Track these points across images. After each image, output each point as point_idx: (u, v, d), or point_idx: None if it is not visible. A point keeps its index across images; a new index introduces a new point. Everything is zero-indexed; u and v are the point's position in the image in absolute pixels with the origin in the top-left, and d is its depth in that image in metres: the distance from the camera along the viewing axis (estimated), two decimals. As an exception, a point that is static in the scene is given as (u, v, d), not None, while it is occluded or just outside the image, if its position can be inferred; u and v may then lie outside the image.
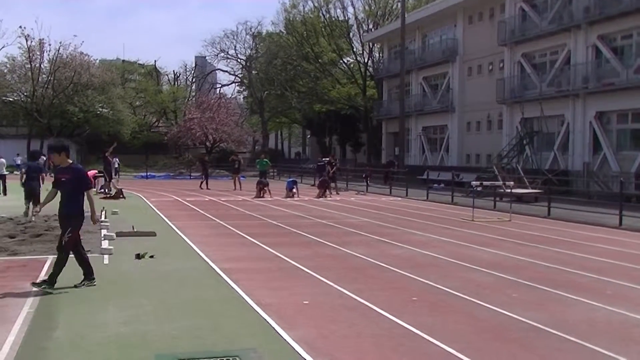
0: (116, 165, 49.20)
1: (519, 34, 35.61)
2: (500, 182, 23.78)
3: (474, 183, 21.26)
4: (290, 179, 30.03)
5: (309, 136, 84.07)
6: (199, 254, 11.32)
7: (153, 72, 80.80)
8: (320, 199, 26.31)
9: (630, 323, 7.01)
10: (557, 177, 28.34)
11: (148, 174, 48.32)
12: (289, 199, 25.89)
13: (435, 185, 33.35)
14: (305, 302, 7.74)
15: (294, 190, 27.19)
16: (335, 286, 8.66)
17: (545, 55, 34.93)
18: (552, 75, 33.53)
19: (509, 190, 21.96)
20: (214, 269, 9.86)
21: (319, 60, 62.59)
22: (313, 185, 36.53)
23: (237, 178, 32.19)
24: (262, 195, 26.32)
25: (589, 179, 28.47)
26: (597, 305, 7.81)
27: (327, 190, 28.10)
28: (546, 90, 33.33)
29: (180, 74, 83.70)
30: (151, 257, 10.67)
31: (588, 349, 5.99)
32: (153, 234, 13.55)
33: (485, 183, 22.65)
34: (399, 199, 27.54)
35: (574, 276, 9.80)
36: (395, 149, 47.65)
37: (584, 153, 31.12)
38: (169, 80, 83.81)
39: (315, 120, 67.42)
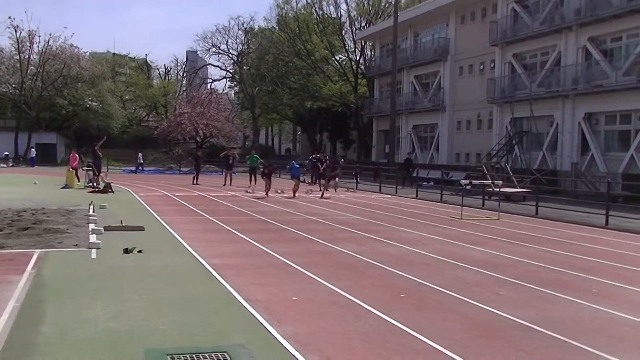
0: (141, 160, 49.58)
1: (511, 34, 35.75)
2: (489, 181, 23.84)
3: (463, 181, 21.32)
4: (296, 166, 26.90)
5: (299, 133, 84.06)
6: (187, 249, 11.31)
7: (144, 66, 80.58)
8: (311, 195, 26.29)
9: (616, 321, 7.09)
10: (546, 176, 28.45)
11: (137, 168, 48.11)
12: (283, 194, 25.80)
13: (425, 183, 33.44)
14: (294, 298, 7.76)
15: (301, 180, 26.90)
16: (325, 283, 8.68)
17: (536, 56, 35.10)
18: (542, 76, 33.70)
19: (498, 189, 22.03)
20: (202, 264, 9.85)
21: (311, 57, 62.55)
22: (303, 182, 36.53)
23: (229, 174, 32.22)
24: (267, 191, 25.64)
25: (577, 179, 28.66)
26: (583, 303, 7.88)
27: (320, 187, 28.08)
28: (536, 90, 33.50)
29: (171, 69, 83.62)
30: (139, 252, 10.65)
31: (574, 346, 6.05)
32: (141, 229, 13.52)
33: (474, 182, 22.71)
34: (389, 196, 27.59)
35: (560, 275, 9.88)
36: (385, 146, 47.71)
37: (572, 153, 31.33)
38: (159, 74, 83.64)
39: (306, 117, 67.41)
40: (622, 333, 6.63)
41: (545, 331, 6.52)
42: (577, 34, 31.15)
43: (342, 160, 31.46)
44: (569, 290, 8.63)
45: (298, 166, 27.13)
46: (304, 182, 36.24)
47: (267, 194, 25.04)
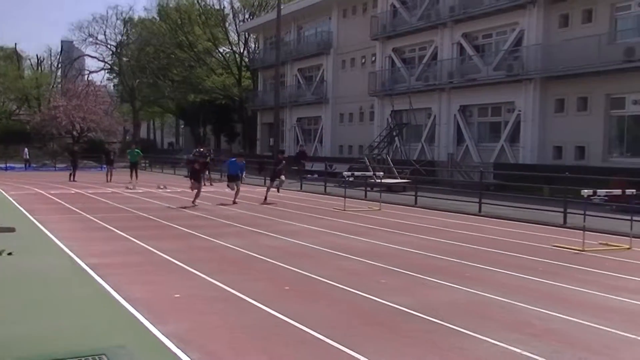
0: (27, 157, 46.26)
1: (390, 29, 36.79)
2: (371, 173, 24.47)
3: (346, 173, 21.73)
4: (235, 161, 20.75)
5: (182, 126, 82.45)
6: (63, 249, 10.78)
7: (13, 56, 75.90)
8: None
9: (487, 302, 7.49)
10: (424, 167, 29.63)
11: (7, 165, 45.33)
12: (165, 189, 25.19)
13: (309, 175, 33.79)
14: (176, 295, 7.60)
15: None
16: (208, 278, 8.57)
17: (415, 50, 36.36)
18: (421, 70, 34.97)
19: (379, 180, 22.66)
20: (79, 264, 9.43)
21: (194, 49, 61.40)
22: (186, 176, 35.89)
23: (110, 169, 31.37)
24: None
25: (453, 169, 30.01)
26: (457, 287, 8.27)
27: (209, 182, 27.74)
28: (415, 84, 34.70)
29: (44, 59, 79.27)
30: (9, 254, 10.02)
31: (449, 328, 6.33)
32: (12, 230, 12.72)
33: (356, 173, 23.21)
34: (273, 189, 27.62)
35: (437, 261, 10.31)
36: (270, 139, 47.80)
37: (448, 144, 32.77)
38: (31, 65, 79.15)
39: (189, 110, 66.20)
40: (492, 313, 7.02)
41: (424, 316, 6.78)
42: (452, 30, 32.55)
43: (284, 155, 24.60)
44: (446, 275, 9.02)
45: (236, 163, 20.67)
46: (187, 176, 35.63)
47: (194, 201, 19.24)
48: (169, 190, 25.33)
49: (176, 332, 6.05)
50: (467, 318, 6.74)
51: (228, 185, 21.13)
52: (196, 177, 20.06)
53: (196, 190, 19.63)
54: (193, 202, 19.17)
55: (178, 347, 5.61)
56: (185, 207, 18.58)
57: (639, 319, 6.89)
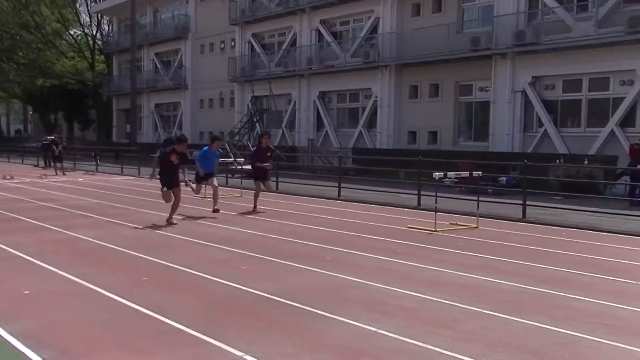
0: None
1: (249, 14, 36.67)
2: (232, 159, 24.34)
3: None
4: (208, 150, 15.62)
5: (31, 112, 77.52)
6: None
7: None
8: (45, 180, 24.51)
9: (345, 285, 7.73)
10: (286, 153, 29.92)
11: None
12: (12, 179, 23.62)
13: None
14: (25, 292, 7.17)
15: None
16: (61, 272, 8.17)
17: (274, 36, 36.53)
18: (280, 56, 35.20)
19: (240, 167, 22.60)
20: None
21: (42, 31, 57.66)
22: (36, 165, 34.05)
23: None
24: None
25: (314, 154, 30.57)
26: (317, 271, 8.47)
27: (56, 170, 26.35)
28: (275, 70, 34.91)
29: None
30: None
31: (309, 311, 6.47)
32: None
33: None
34: (131, 178, 26.79)
35: (298, 246, 10.49)
36: (127, 126, 46.20)
37: (309, 130, 33.35)
38: None
39: (38, 96, 62.31)
40: (349, 294, 7.25)
41: (285, 300, 6.87)
42: (310, 16, 33.02)
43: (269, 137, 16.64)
44: (306, 260, 9.20)
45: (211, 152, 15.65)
46: (37, 165, 33.69)
47: (208, 196, 16.04)
48: (16, 181, 23.76)
49: (25, 331, 5.72)
50: (325, 300, 6.92)
51: (194, 190, 15.12)
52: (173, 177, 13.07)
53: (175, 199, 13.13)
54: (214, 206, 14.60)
55: (27, 347, 5.31)
56: (34, 199, 17.52)
57: (484, 292, 7.40)
